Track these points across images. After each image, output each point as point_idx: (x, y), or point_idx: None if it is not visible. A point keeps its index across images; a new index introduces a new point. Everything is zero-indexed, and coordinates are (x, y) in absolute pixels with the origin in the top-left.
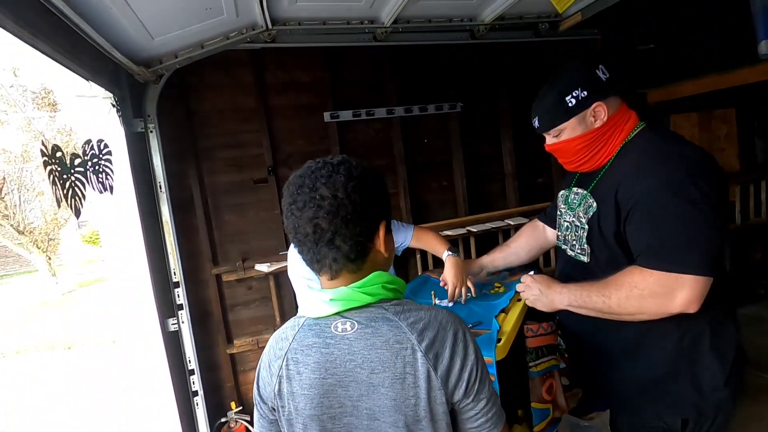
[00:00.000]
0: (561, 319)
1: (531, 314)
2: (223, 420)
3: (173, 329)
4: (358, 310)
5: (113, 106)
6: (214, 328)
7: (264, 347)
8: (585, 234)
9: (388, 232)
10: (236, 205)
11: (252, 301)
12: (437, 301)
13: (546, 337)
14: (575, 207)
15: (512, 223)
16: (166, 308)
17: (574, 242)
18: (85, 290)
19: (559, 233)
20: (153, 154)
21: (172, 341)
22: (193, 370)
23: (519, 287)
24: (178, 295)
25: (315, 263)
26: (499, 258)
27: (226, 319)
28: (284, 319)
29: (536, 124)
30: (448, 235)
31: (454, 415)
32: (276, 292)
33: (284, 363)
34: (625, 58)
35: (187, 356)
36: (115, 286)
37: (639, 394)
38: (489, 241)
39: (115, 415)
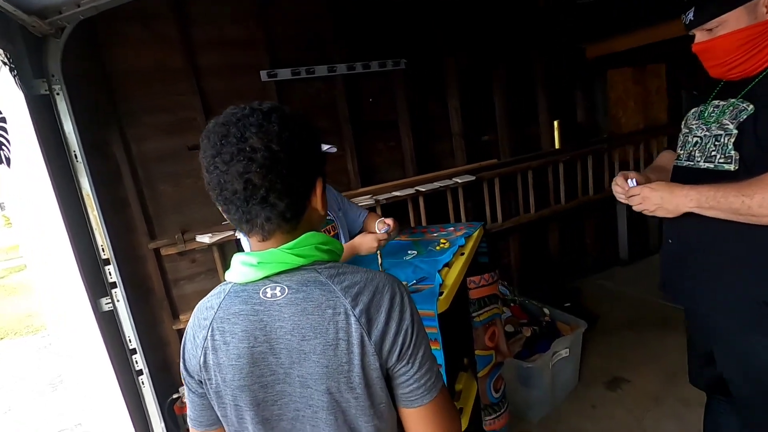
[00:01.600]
0: (667, 231)
1: (473, 267)
2: (175, 396)
3: (107, 309)
4: (288, 274)
5: (5, 64)
6: (157, 304)
7: None
8: (732, 140)
9: (324, 188)
10: (171, 173)
11: (197, 275)
12: (381, 260)
13: (488, 288)
14: (715, 118)
15: (460, 181)
16: (98, 288)
17: (714, 153)
18: (18, 276)
19: (682, 152)
20: (63, 120)
21: (108, 322)
22: (134, 349)
23: (633, 200)
24: (110, 273)
25: (244, 223)
26: (654, 175)
27: (170, 295)
28: None
29: (690, 17)
30: (396, 196)
31: (389, 381)
32: (222, 263)
33: (209, 333)
34: (564, 13)
35: (126, 336)
36: (36, 270)
37: (750, 315)
38: (438, 201)
39: (56, 406)
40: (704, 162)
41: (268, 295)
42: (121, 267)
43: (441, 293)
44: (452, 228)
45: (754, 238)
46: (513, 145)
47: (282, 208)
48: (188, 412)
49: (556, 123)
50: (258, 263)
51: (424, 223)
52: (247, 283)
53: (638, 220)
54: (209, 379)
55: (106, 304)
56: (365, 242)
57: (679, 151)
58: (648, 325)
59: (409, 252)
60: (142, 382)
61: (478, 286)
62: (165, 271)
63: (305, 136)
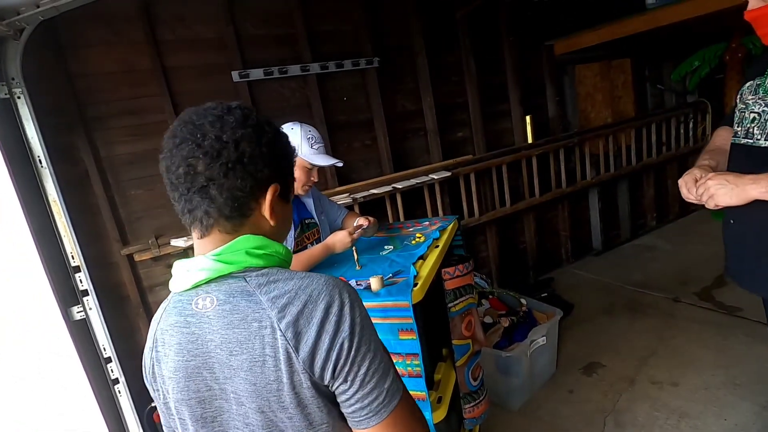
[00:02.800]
0: (728, 212)
1: (447, 259)
2: (153, 404)
3: (79, 317)
4: (218, 282)
5: None
6: (133, 312)
7: None
8: None
9: (284, 199)
10: (142, 178)
11: None
12: (356, 256)
13: (462, 278)
14: None
15: (436, 177)
16: (68, 296)
17: None
18: None
19: (739, 129)
20: (26, 125)
21: (81, 330)
22: (109, 357)
23: (701, 189)
24: (81, 281)
25: (186, 213)
26: (714, 159)
27: (145, 302)
28: None
29: None
30: (374, 194)
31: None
32: None
33: (153, 344)
34: (532, 10)
35: (100, 344)
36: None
37: None
38: (415, 198)
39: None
40: (764, 140)
41: (200, 306)
42: (93, 274)
43: (415, 284)
44: (427, 222)
45: None
46: (487, 141)
47: (221, 203)
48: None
49: (528, 118)
50: (187, 270)
51: (402, 220)
52: (183, 293)
53: (610, 211)
54: (157, 390)
55: (78, 312)
56: (338, 240)
57: (735, 128)
58: (620, 311)
59: (385, 247)
60: (119, 391)
61: (453, 276)
62: (140, 277)
63: (263, 138)
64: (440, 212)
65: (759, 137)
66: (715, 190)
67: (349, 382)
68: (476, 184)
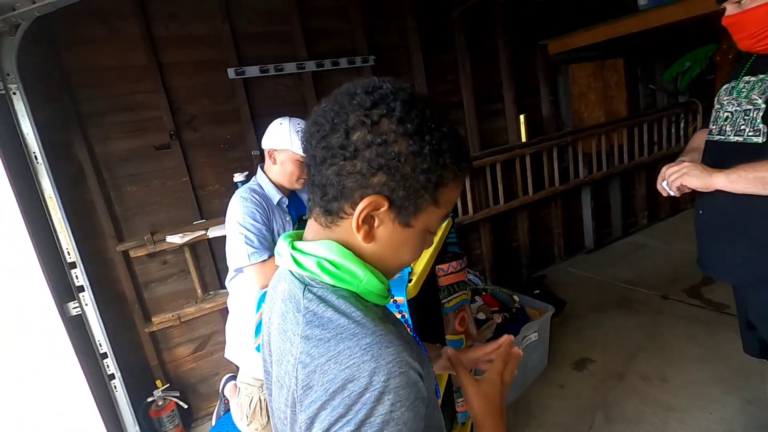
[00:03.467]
0: (699, 202)
1: (441, 256)
2: (149, 400)
3: (76, 313)
4: (290, 274)
5: None
6: (129, 308)
7: (187, 322)
8: (761, 114)
9: (400, 222)
10: (137, 175)
11: (168, 276)
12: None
13: (456, 275)
14: (745, 93)
15: None
16: (64, 292)
17: (743, 126)
18: None
19: (714, 127)
20: (21, 120)
21: (77, 326)
22: (105, 353)
23: (674, 167)
24: (77, 277)
25: (309, 185)
26: (692, 158)
27: (141, 298)
28: (206, 291)
29: None
30: None
31: None
32: (195, 264)
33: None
34: (526, 9)
35: (96, 339)
36: None
37: None
38: None
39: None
40: (734, 135)
41: (279, 288)
42: (89, 270)
43: (410, 280)
44: None
45: None
46: (482, 139)
47: (319, 186)
48: None
49: (522, 117)
50: (277, 250)
51: None
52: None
53: (602, 210)
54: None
55: (74, 308)
56: None
57: (711, 126)
58: (611, 308)
59: None
60: (115, 387)
61: (446, 273)
62: (135, 273)
63: (406, 145)
64: None
65: (730, 133)
66: (687, 170)
67: None
68: (470, 181)
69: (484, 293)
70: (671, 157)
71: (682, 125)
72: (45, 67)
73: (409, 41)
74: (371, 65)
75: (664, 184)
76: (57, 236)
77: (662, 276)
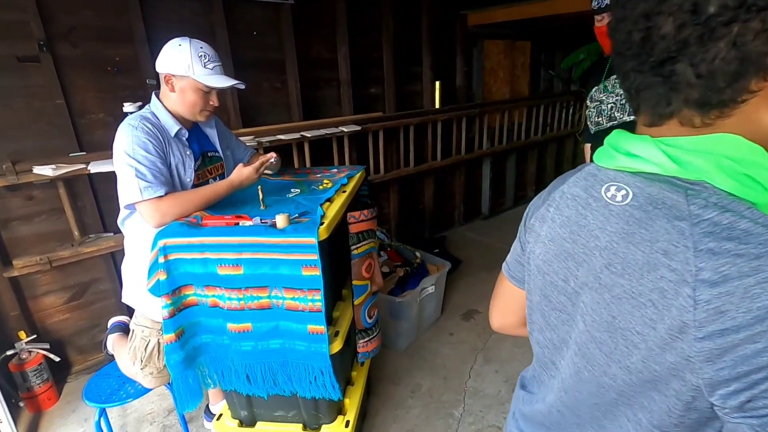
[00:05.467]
0: None
1: (353, 204)
2: (9, 353)
3: None
4: (649, 178)
5: None
6: None
7: (60, 267)
8: None
9: None
10: None
11: (35, 215)
12: (262, 196)
13: (366, 223)
14: (618, 87)
15: (346, 130)
16: None
17: (629, 108)
18: None
19: (601, 119)
20: None
21: None
22: None
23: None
24: None
25: (633, 92)
26: None
27: None
28: (85, 234)
29: (594, 4)
30: (281, 140)
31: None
32: (71, 202)
33: (549, 199)
34: None
35: None
36: None
37: None
38: (323, 147)
39: None
40: (628, 116)
41: (609, 193)
42: None
43: (322, 223)
44: (335, 170)
45: None
46: (398, 101)
47: (691, 83)
48: (508, 256)
49: (437, 84)
50: (616, 147)
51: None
52: (602, 168)
53: (499, 181)
54: (527, 242)
55: None
56: (244, 174)
57: (596, 119)
58: (499, 268)
59: (292, 190)
60: None
61: (357, 221)
62: None
63: None
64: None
65: (623, 116)
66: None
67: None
68: (384, 141)
69: (389, 249)
70: (559, 139)
71: (571, 111)
72: None
73: None
74: (291, 3)
75: None
76: None
77: None
